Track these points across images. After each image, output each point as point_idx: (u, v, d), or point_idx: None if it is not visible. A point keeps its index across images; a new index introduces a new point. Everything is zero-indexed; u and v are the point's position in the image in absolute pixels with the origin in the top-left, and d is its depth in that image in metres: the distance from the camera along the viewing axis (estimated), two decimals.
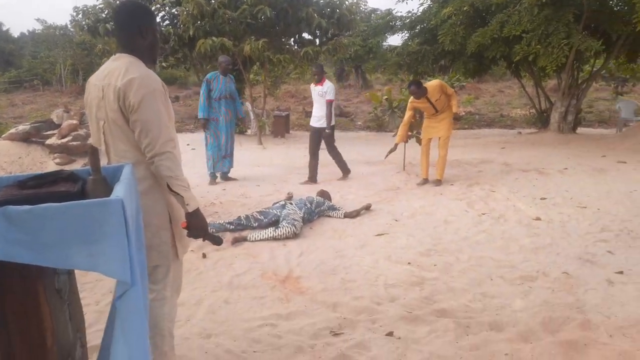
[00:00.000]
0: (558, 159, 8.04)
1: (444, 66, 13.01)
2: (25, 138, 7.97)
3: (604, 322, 2.59)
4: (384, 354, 2.37)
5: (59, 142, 7.71)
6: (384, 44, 20.47)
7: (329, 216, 4.94)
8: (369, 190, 6.13)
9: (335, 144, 6.77)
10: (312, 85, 6.74)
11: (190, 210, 1.88)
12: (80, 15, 11.44)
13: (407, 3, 65.49)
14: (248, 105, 12.84)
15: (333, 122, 6.66)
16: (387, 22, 13.64)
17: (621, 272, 3.29)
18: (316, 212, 4.84)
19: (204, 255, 3.83)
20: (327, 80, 6.57)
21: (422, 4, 12.63)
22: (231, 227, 4.44)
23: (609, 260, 3.54)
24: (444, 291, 3.09)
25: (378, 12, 19.99)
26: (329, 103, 6.44)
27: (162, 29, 11.42)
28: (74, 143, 7.72)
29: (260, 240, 4.18)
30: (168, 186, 1.85)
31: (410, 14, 12.97)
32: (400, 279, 3.29)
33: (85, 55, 25.32)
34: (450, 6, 10.49)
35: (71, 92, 24.02)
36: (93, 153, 1.60)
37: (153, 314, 2.00)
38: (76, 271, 1.71)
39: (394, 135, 7.09)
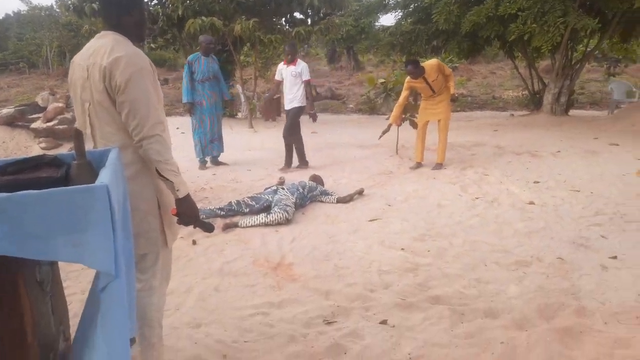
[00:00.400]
0: (551, 141, 8.01)
1: (437, 47, 12.79)
2: (10, 122, 7.80)
3: (599, 309, 2.57)
4: (378, 342, 2.33)
5: (45, 125, 7.55)
6: (377, 24, 20.21)
7: (322, 201, 4.88)
8: (362, 175, 6.07)
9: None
10: (283, 66, 6.37)
11: (180, 196, 1.82)
12: None
13: None
14: (239, 87, 12.63)
15: (304, 104, 6.33)
16: (380, 1, 13.39)
17: (615, 257, 3.27)
18: (309, 197, 4.78)
19: (194, 242, 3.77)
20: (299, 60, 6.31)
21: None
22: (222, 213, 4.37)
23: (602, 245, 3.52)
24: (438, 277, 3.06)
25: None
26: (307, 82, 6.22)
27: (151, 8, 11.14)
28: (60, 127, 7.56)
29: (252, 226, 4.12)
30: (157, 171, 1.78)
31: None
32: (394, 265, 3.26)
33: (72, 36, 24.70)
34: None
35: (58, 74, 23.54)
36: (77, 136, 1.53)
37: (141, 304, 1.94)
38: None
39: (387, 118, 7.00)
